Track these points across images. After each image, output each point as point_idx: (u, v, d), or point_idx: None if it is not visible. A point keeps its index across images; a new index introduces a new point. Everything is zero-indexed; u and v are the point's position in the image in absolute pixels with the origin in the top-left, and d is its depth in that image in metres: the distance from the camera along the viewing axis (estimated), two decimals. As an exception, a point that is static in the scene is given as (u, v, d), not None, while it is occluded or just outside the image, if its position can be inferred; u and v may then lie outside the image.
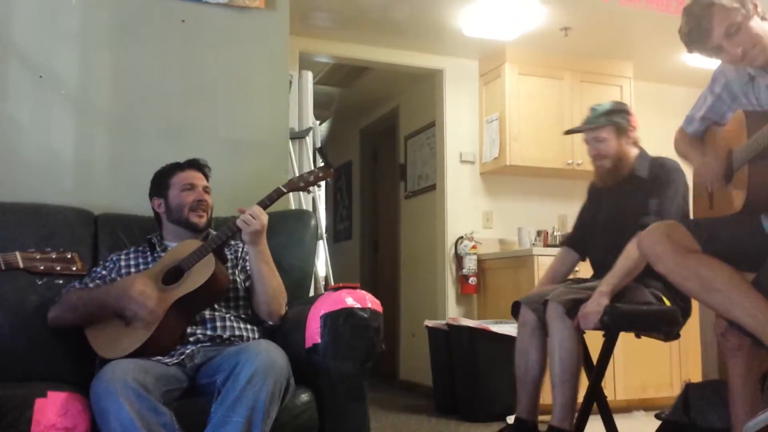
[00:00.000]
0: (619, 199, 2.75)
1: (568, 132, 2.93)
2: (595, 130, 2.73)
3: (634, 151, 2.74)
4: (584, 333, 2.62)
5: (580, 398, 2.60)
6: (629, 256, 2.47)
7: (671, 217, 2.51)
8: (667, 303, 2.54)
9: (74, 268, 1.79)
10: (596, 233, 2.83)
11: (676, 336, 2.58)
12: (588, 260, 2.90)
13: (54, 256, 1.76)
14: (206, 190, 2.35)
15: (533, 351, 2.59)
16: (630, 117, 2.75)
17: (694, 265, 1.79)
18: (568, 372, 2.43)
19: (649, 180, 2.66)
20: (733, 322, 1.81)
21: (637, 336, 2.64)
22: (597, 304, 2.40)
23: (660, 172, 2.65)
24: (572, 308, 2.45)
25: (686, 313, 2.59)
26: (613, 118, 2.71)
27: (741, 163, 1.93)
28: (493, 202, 4.82)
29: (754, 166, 1.87)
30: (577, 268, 3.04)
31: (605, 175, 2.76)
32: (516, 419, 2.62)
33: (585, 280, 2.76)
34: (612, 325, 2.42)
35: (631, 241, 2.49)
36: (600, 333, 2.59)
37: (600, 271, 2.76)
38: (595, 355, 2.63)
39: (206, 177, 2.39)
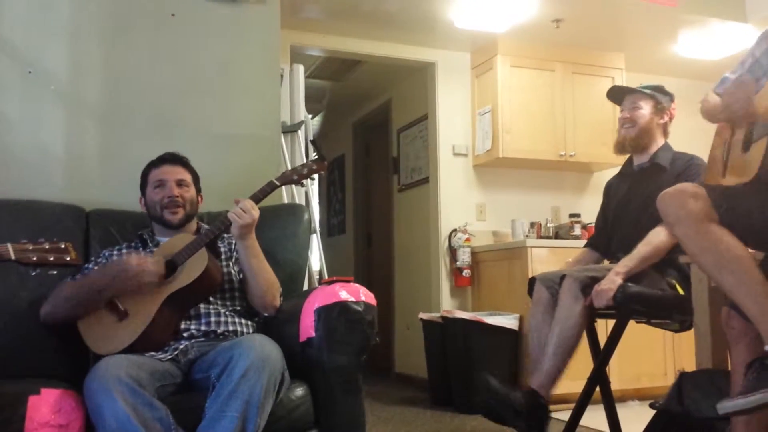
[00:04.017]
0: (635, 184, 2.79)
1: (612, 92, 2.93)
2: (636, 94, 2.81)
3: (660, 138, 2.79)
4: (596, 321, 2.62)
5: (580, 388, 2.62)
6: (650, 242, 2.50)
7: None
8: (680, 291, 2.55)
9: (68, 258, 1.76)
10: (613, 228, 2.85)
11: (689, 327, 2.58)
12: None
13: (47, 247, 1.74)
14: (181, 183, 2.29)
15: (547, 328, 2.59)
16: (672, 104, 2.82)
17: (714, 239, 1.77)
18: (564, 346, 2.45)
19: (672, 171, 2.68)
20: (735, 307, 1.80)
21: (649, 323, 2.65)
22: (611, 282, 2.42)
23: (688, 165, 2.67)
24: (588, 285, 2.46)
25: None
26: (657, 94, 2.80)
27: (760, 135, 1.92)
28: (486, 195, 4.82)
29: None
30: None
31: (625, 143, 2.80)
32: (528, 390, 2.53)
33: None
34: (624, 303, 2.43)
35: (656, 230, 2.50)
36: (610, 322, 2.59)
37: (617, 257, 2.77)
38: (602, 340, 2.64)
39: (186, 167, 2.34)
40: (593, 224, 3.23)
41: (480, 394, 2.50)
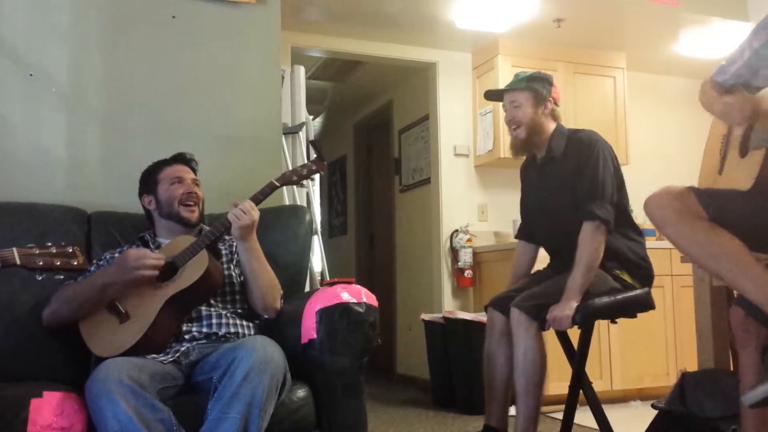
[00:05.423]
0: (541, 182, 2.70)
1: (488, 95, 2.83)
2: (512, 92, 2.66)
3: (551, 125, 2.64)
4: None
5: (565, 389, 2.61)
6: (584, 249, 2.42)
7: (610, 192, 2.48)
8: (628, 278, 2.53)
9: (75, 263, 1.75)
10: (533, 218, 2.79)
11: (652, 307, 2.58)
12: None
13: (54, 251, 1.73)
14: (195, 182, 2.34)
15: (501, 355, 2.55)
16: (552, 88, 2.67)
17: (703, 231, 1.78)
18: (531, 383, 2.40)
19: (568, 158, 2.58)
20: (750, 310, 1.80)
21: (613, 322, 2.64)
22: (567, 308, 2.36)
23: (578, 147, 2.57)
24: (537, 313, 2.40)
25: (649, 282, 2.58)
26: (532, 85, 2.64)
27: (759, 144, 1.91)
28: (487, 195, 4.81)
29: None
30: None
31: (519, 145, 2.68)
32: (485, 427, 2.55)
33: (545, 274, 2.71)
34: (586, 321, 2.43)
35: (582, 233, 2.45)
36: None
37: (553, 256, 2.76)
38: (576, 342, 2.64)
39: (194, 171, 2.38)
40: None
41: None
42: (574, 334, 2.61)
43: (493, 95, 2.80)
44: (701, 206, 1.82)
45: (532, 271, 2.82)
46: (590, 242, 2.43)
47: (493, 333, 2.62)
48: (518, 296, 2.49)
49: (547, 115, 2.64)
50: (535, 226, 2.79)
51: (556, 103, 2.67)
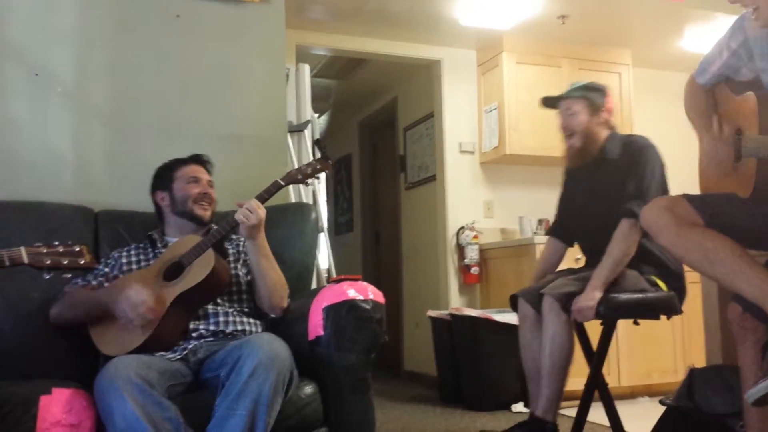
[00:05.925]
0: (592, 183, 2.72)
1: (545, 102, 2.86)
2: (568, 100, 2.72)
3: (604, 133, 2.70)
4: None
5: (581, 385, 2.61)
6: (617, 244, 2.46)
7: (652, 196, 2.48)
8: (663, 286, 2.53)
9: (82, 262, 1.75)
10: (577, 219, 2.80)
11: (678, 312, 2.58)
12: (577, 246, 2.88)
13: (61, 250, 1.73)
14: (210, 184, 2.37)
15: (537, 345, 2.57)
16: (606, 98, 2.72)
17: (697, 238, 1.79)
18: (557, 366, 2.44)
19: (621, 161, 2.62)
20: (749, 308, 1.80)
21: (635, 323, 2.64)
22: (591, 298, 2.39)
23: (631, 151, 2.61)
24: (567, 302, 2.43)
25: (682, 294, 2.60)
26: (588, 94, 2.69)
27: (751, 154, 1.91)
28: (493, 192, 4.81)
29: (763, 166, 1.86)
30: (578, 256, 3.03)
31: (574, 154, 2.73)
32: (531, 417, 2.56)
33: (579, 270, 2.73)
34: (608, 315, 2.43)
35: (618, 229, 2.48)
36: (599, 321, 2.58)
37: (591, 257, 2.75)
38: (594, 342, 2.63)
39: (209, 172, 2.40)
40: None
41: None
42: (592, 331, 2.61)
43: (549, 102, 2.84)
44: (696, 212, 1.84)
45: (561, 268, 2.84)
46: (623, 238, 2.47)
47: (525, 324, 2.64)
48: (550, 285, 2.52)
49: (601, 124, 2.70)
50: (575, 226, 2.81)
51: (610, 113, 2.72)
